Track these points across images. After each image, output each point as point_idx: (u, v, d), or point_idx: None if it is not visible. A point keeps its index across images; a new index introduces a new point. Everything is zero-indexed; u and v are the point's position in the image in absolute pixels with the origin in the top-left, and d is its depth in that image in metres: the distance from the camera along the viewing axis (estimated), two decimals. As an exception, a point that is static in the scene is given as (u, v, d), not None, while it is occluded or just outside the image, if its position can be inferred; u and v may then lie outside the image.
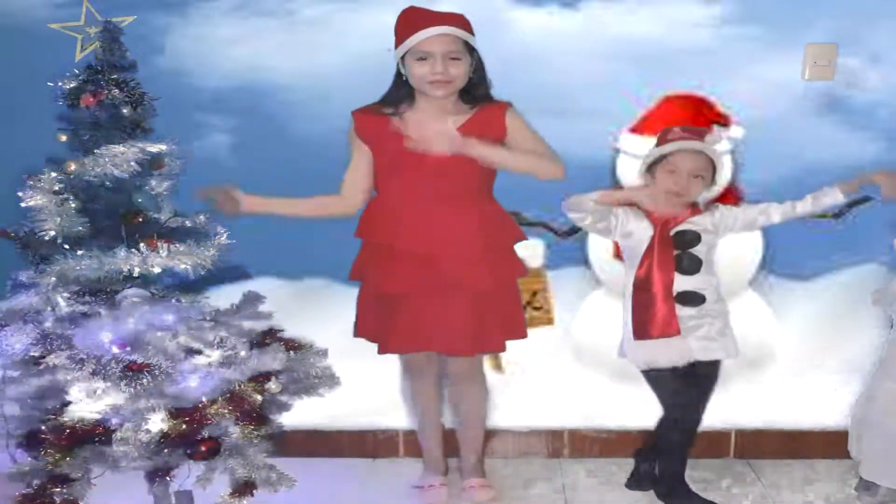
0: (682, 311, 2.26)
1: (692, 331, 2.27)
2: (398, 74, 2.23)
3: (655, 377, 2.35)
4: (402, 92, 2.23)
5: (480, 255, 2.24)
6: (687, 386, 2.33)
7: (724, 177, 2.35)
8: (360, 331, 2.41)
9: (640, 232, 2.30)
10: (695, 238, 2.27)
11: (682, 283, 2.27)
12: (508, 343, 2.37)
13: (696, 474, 2.58)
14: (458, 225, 2.22)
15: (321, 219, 2.36)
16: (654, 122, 2.45)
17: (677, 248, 2.27)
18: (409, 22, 2.16)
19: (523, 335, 2.39)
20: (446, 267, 2.22)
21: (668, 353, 2.28)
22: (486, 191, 2.31)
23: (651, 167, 2.30)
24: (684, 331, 2.26)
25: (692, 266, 2.27)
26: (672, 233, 2.28)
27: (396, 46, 2.18)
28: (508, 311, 2.35)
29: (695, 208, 2.31)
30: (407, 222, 2.23)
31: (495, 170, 2.29)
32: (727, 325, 2.34)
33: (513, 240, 2.35)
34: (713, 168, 2.28)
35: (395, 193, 2.27)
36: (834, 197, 2.26)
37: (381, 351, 2.36)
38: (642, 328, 2.28)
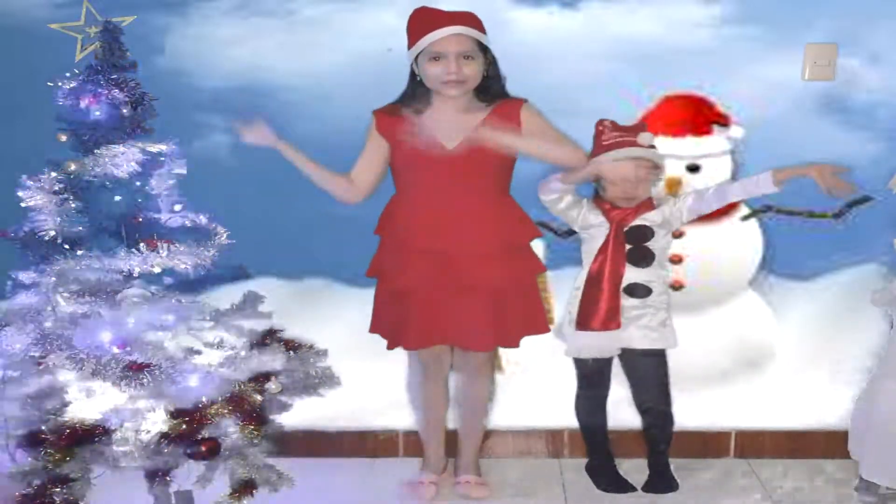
0: (627, 302, 2.35)
1: (634, 320, 2.37)
2: (412, 74, 2.24)
3: (582, 363, 2.47)
4: (417, 92, 2.25)
5: (497, 252, 2.26)
6: (602, 381, 2.48)
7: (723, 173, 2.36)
8: (374, 327, 2.43)
9: (597, 226, 2.37)
10: (649, 233, 2.34)
11: (632, 275, 2.34)
12: (526, 339, 2.40)
13: (697, 474, 2.59)
14: (474, 222, 2.23)
15: (326, 193, 2.33)
16: (654, 122, 2.46)
17: (632, 243, 2.34)
18: (422, 22, 2.16)
19: (545, 330, 2.41)
20: (462, 264, 2.23)
21: (601, 344, 2.39)
22: (502, 188, 2.32)
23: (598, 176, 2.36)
24: (627, 320, 2.36)
25: (645, 260, 2.34)
26: (627, 228, 2.34)
27: (409, 47, 2.19)
28: (528, 307, 2.36)
29: (648, 203, 2.36)
30: (423, 220, 2.24)
31: (511, 167, 2.31)
32: (669, 316, 2.41)
33: (529, 237, 2.37)
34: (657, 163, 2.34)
35: (413, 191, 2.29)
36: (766, 186, 2.28)
37: (393, 346, 2.37)
38: (586, 320, 2.37)
